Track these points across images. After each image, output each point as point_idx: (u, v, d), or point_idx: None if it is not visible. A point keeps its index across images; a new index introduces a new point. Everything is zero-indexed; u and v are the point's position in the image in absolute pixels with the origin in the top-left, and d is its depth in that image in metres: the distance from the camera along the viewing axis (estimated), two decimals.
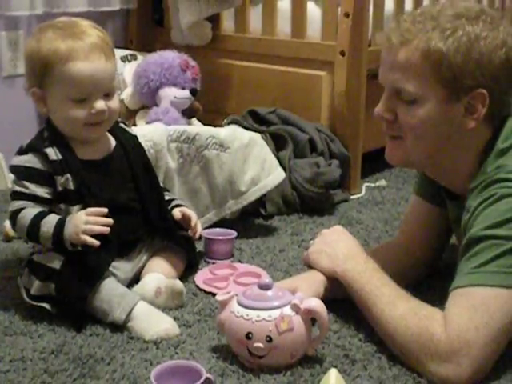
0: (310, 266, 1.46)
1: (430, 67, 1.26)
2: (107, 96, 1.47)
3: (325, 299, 1.38)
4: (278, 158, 2.12)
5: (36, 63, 1.44)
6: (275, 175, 2.02)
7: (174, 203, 1.67)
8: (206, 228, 1.85)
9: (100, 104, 1.45)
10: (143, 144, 1.74)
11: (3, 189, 2.26)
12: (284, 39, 2.48)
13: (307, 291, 1.34)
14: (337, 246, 1.42)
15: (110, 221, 1.43)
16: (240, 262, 1.79)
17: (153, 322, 1.37)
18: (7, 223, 1.78)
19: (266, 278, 1.32)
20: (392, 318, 1.25)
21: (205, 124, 2.24)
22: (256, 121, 2.30)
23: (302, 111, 2.36)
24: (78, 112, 1.45)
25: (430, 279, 1.61)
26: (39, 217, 1.42)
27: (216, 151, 1.91)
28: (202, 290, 1.60)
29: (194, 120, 2.29)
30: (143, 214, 1.59)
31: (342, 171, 2.25)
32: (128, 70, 2.36)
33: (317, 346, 1.30)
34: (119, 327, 1.39)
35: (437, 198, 1.54)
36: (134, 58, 2.57)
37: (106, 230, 1.42)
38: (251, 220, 2.09)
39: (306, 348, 1.26)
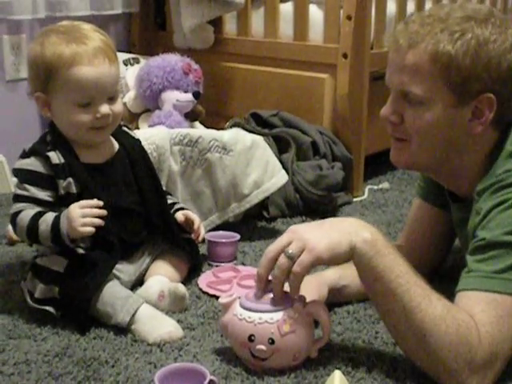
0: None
1: (438, 70, 1.24)
2: (111, 100, 1.47)
3: (328, 302, 1.39)
4: (281, 161, 2.12)
5: (40, 68, 1.45)
6: (278, 178, 2.02)
7: (176, 207, 1.68)
8: (209, 231, 1.86)
9: (104, 108, 1.45)
10: (146, 147, 1.74)
11: (6, 192, 2.27)
12: (286, 42, 2.48)
13: (310, 294, 1.33)
14: (338, 223, 1.25)
15: (105, 212, 1.42)
16: (243, 264, 1.79)
17: (156, 325, 1.37)
18: (11, 227, 1.78)
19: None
20: (429, 317, 1.14)
21: (207, 127, 2.25)
22: (259, 123, 2.31)
23: (305, 114, 2.36)
24: (83, 116, 1.45)
25: (433, 282, 1.60)
26: (37, 216, 1.42)
27: (219, 154, 1.91)
28: (205, 292, 1.60)
29: (197, 123, 2.30)
30: (146, 217, 1.59)
31: (345, 174, 2.25)
32: (130, 73, 2.37)
33: (320, 348, 1.30)
34: (123, 330, 1.39)
35: (440, 201, 1.54)
36: (137, 61, 2.58)
37: (101, 222, 1.42)
38: (254, 223, 2.09)
39: (308, 350, 1.26)
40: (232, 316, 1.26)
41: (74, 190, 1.46)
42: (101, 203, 1.43)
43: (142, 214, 1.59)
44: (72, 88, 1.43)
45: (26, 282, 1.49)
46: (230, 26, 2.66)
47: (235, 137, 1.97)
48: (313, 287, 1.39)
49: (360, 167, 2.41)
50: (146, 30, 2.90)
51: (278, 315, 1.22)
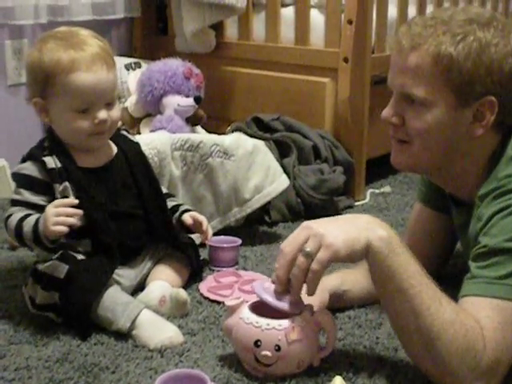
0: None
1: (440, 72, 1.24)
2: (109, 105, 1.48)
3: (330, 307, 1.39)
4: (282, 165, 2.12)
5: (38, 74, 1.45)
6: (279, 182, 2.02)
7: (182, 208, 1.68)
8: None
9: (103, 114, 1.46)
10: (147, 152, 1.75)
11: (8, 197, 2.26)
12: (287, 46, 2.48)
13: (312, 299, 1.32)
14: (353, 219, 1.23)
15: (79, 211, 1.39)
16: (245, 269, 1.79)
17: (157, 331, 1.37)
18: None
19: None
20: (439, 320, 1.13)
21: (209, 131, 2.25)
22: (260, 128, 2.31)
23: (306, 118, 2.36)
24: (81, 122, 1.46)
25: None
26: (23, 218, 1.42)
27: (220, 159, 1.91)
28: (206, 298, 1.60)
29: (198, 127, 2.30)
30: (146, 220, 1.60)
31: (346, 178, 2.25)
32: (132, 77, 2.37)
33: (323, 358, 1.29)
34: (124, 336, 1.39)
35: (441, 205, 1.54)
36: (138, 65, 2.59)
37: (75, 221, 1.38)
38: (256, 227, 2.09)
39: (312, 359, 1.26)
40: (238, 319, 1.25)
41: (70, 194, 1.46)
42: (75, 201, 1.40)
43: (142, 218, 1.59)
44: (70, 94, 1.43)
45: (27, 288, 1.49)
46: (232, 31, 2.66)
47: (236, 142, 1.97)
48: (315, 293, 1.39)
49: (361, 171, 2.41)
50: (147, 34, 2.91)
51: (287, 322, 1.21)
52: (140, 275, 1.59)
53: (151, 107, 2.21)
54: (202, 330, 1.44)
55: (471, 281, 1.20)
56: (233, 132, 2.20)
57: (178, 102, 2.16)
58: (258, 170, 1.98)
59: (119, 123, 2.18)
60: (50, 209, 1.39)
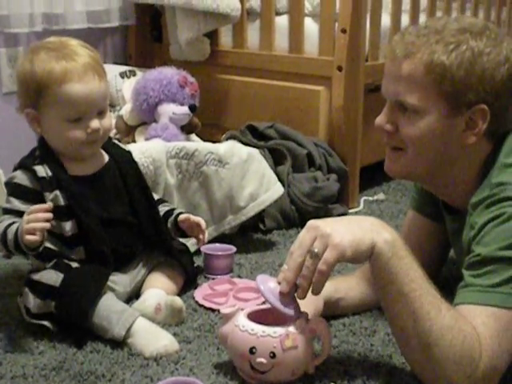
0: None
1: (433, 80, 1.26)
2: (100, 114, 1.49)
3: (324, 314, 1.39)
4: (277, 173, 2.13)
5: (30, 85, 1.46)
6: (274, 190, 2.03)
7: (176, 212, 1.68)
8: (206, 243, 1.86)
9: (95, 123, 1.47)
10: (142, 160, 1.76)
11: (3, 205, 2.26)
12: (282, 54, 2.49)
13: (307, 307, 1.33)
14: (358, 220, 1.25)
15: (49, 215, 1.34)
16: (239, 277, 1.79)
17: (152, 339, 1.38)
18: None
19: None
20: (437, 326, 1.14)
21: (204, 139, 2.26)
22: (254, 136, 2.31)
23: (300, 126, 2.37)
24: (74, 132, 1.47)
25: None
26: (8, 226, 1.42)
27: (215, 167, 1.92)
28: (201, 305, 1.60)
29: (193, 136, 2.30)
30: (138, 227, 1.60)
31: (340, 185, 2.26)
32: (127, 86, 2.37)
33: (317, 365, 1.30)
34: (119, 343, 1.39)
35: (434, 212, 1.55)
36: (133, 74, 2.59)
37: (47, 225, 1.33)
38: (250, 235, 2.10)
39: (307, 366, 1.27)
40: (233, 327, 1.26)
41: (61, 202, 1.47)
42: (49, 206, 1.36)
43: (135, 225, 1.60)
44: (63, 105, 1.44)
45: (22, 298, 1.49)
46: (226, 39, 2.67)
47: (231, 150, 1.98)
48: (308, 300, 1.39)
49: (355, 179, 2.42)
50: (142, 42, 2.92)
51: (282, 330, 1.22)
52: (134, 281, 1.60)
53: (146, 115, 2.21)
54: (197, 338, 1.44)
55: (465, 289, 1.21)
56: (227, 140, 2.21)
57: (172, 111, 2.16)
58: (252, 178, 1.99)
59: (113, 132, 2.20)
60: (24, 217, 1.36)
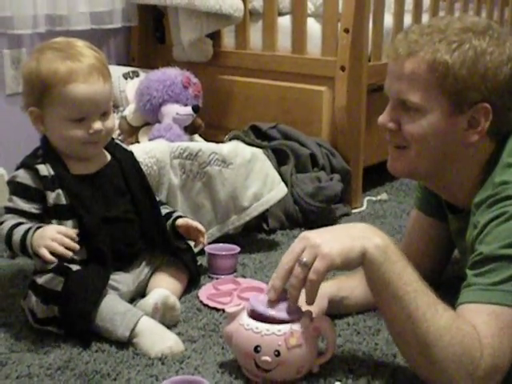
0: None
1: (436, 79, 1.26)
2: (104, 115, 1.50)
3: (328, 314, 1.40)
4: (280, 173, 2.13)
5: (35, 84, 1.46)
6: (277, 190, 2.03)
7: (175, 215, 1.68)
8: (210, 243, 1.86)
9: (97, 124, 1.48)
10: (146, 161, 1.76)
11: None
12: (284, 55, 2.50)
13: (311, 306, 1.32)
14: (349, 228, 1.26)
15: (76, 246, 1.39)
16: (243, 276, 1.80)
17: (157, 340, 1.38)
18: None
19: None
20: (434, 327, 1.15)
21: (207, 140, 2.26)
22: (258, 136, 2.32)
23: (303, 126, 2.38)
24: (77, 132, 1.47)
25: None
26: (14, 227, 1.43)
27: (218, 167, 1.92)
28: (205, 305, 1.60)
29: (196, 136, 2.31)
30: (140, 226, 1.61)
31: (344, 185, 2.26)
32: (130, 86, 2.38)
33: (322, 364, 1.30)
34: (124, 343, 1.40)
35: (437, 212, 1.55)
36: (136, 74, 2.60)
37: (68, 253, 1.37)
38: (254, 235, 2.10)
39: (311, 365, 1.27)
40: (238, 326, 1.26)
41: (63, 201, 1.47)
42: (75, 235, 1.40)
43: (137, 224, 1.60)
44: (67, 104, 1.45)
45: (26, 301, 1.49)
46: (229, 40, 2.68)
47: (235, 150, 1.98)
48: None
49: (358, 179, 2.42)
50: (145, 43, 2.92)
51: (286, 328, 1.22)
52: (138, 281, 1.60)
53: (150, 116, 2.22)
54: (201, 337, 1.45)
55: (468, 288, 1.21)
56: (231, 140, 2.21)
57: (176, 111, 2.17)
58: (256, 178, 1.99)
59: (117, 132, 2.21)
60: (52, 230, 1.39)
